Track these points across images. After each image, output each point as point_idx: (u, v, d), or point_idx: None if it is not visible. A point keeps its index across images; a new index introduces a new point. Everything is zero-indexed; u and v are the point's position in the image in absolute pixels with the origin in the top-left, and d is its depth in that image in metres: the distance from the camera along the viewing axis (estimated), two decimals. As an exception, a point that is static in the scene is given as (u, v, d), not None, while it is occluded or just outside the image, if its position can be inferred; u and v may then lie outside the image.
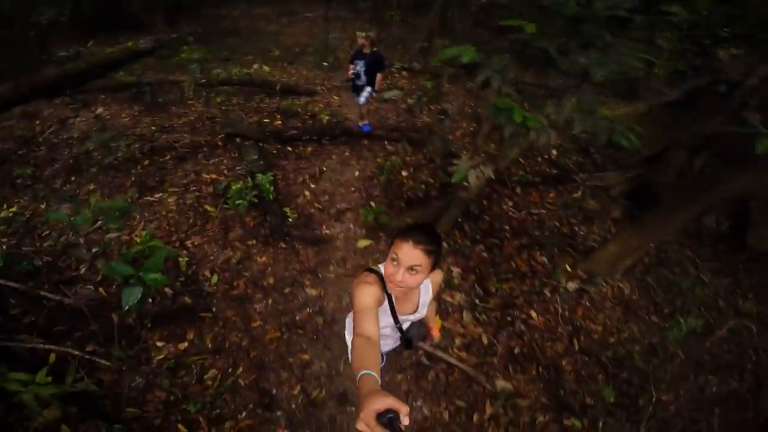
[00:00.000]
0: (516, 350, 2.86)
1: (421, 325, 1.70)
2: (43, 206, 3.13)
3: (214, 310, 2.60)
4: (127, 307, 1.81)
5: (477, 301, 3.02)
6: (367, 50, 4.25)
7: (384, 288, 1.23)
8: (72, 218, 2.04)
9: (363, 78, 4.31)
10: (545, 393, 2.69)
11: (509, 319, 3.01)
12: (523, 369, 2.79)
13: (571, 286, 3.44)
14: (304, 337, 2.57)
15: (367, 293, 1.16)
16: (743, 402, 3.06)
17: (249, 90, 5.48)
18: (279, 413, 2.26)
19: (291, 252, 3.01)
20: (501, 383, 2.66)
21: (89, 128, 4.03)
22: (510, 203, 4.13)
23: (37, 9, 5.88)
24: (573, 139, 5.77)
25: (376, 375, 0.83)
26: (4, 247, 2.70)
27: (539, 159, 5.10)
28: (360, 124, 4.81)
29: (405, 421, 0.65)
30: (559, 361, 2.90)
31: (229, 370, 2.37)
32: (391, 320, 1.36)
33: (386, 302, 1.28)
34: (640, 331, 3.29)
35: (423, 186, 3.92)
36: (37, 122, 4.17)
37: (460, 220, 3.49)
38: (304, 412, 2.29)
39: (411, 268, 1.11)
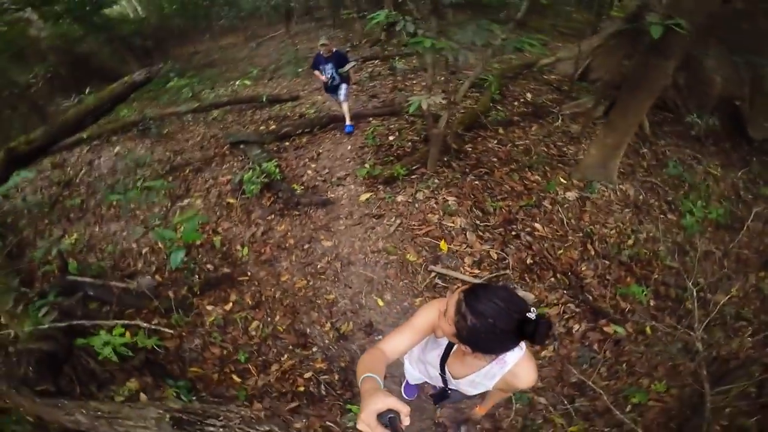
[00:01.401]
0: (528, 260, 3.03)
1: (466, 398, 1.48)
2: (96, 229, 3.66)
3: (249, 273, 3.03)
4: (175, 267, 2.25)
5: (477, 222, 3.31)
6: (329, 53, 4.44)
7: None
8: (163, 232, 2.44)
9: (337, 78, 4.50)
10: (572, 299, 2.76)
11: (513, 233, 3.21)
12: (540, 277, 2.92)
13: (570, 195, 3.65)
14: (326, 281, 2.96)
15: (428, 316, 1.07)
16: None
17: (239, 107, 6.00)
18: (315, 349, 2.57)
19: (304, 216, 3.44)
20: (521, 293, 2.74)
21: (114, 164, 4.59)
22: (494, 141, 4.43)
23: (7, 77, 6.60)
24: (545, 82, 6.07)
25: (378, 379, 0.82)
26: (75, 262, 3.20)
27: (515, 102, 5.40)
28: (345, 124, 4.87)
29: (405, 421, 0.65)
30: (577, 267, 3.01)
31: (268, 319, 2.76)
32: (438, 362, 1.22)
33: (444, 341, 1.17)
34: (658, 230, 3.30)
35: (409, 143, 4.29)
36: (68, 168, 4.77)
37: (447, 159, 3.83)
38: (336, 345, 2.59)
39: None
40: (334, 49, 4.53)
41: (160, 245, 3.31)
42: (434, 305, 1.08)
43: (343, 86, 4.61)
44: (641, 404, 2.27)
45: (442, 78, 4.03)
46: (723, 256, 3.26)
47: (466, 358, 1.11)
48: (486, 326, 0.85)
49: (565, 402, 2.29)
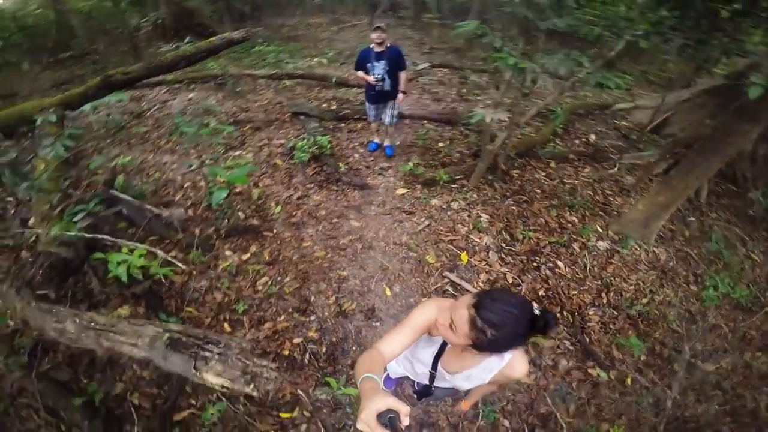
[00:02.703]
0: (540, 292, 3.02)
1: (451, 394, 1.53)
2: (150, 156, 4.02)
3: (275, 231, 3.19)
4: (215, 204, 2.42)
5: (503, 245, 3.28)
6: (382, 47, 3.47)
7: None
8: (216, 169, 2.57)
9: (387, 82, 3.55)
10: (569, 337, 2.77)
11: (535, 264, 3.19)
12: (547, 310, 2.98)
13: (602, 245, 3.55)
14: (344, 257, 3.04)
15: (425, 315, 1.09)
16: None
17: (309, 83, 6.30)
18: (312, 318, 2.62)
19: (341, 193, 3.57)
20: None
21: (185, 107, 5.00)
22: (543, 174, 4.35)
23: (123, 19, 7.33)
24: (615, 127, 5.84)
25: (378, 379, 0.83)
26: (122, 179, 3.52)
27: (576, 140, 5.25)
28: (382, 143, 4.18)
29: (405, 421, 0.66)
30: (585, 310, 2.98)
31: (278, 278, 2.85)
32: (431, 359, 1.23)
33: (439, 340, 1.18)
34: (676, 296, 3.26)
35: (457, 153, 4.31)
36: (143, 103, 5.24)
37: (491, 178, 3.82)
38: (334, 320, 2.62)
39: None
40: (389, 44, 3.53)
41: (201, 183, 3.55)
42: (430, 305, 1.10)
43: (393, 107, 3.72)
44: None
45: (509, 100, 4.03)
46: (729, 331, 3.12)
47: (463, 354, 1.12)
48: (506, 335, 0.90)
49: (527, 430, 2.29)
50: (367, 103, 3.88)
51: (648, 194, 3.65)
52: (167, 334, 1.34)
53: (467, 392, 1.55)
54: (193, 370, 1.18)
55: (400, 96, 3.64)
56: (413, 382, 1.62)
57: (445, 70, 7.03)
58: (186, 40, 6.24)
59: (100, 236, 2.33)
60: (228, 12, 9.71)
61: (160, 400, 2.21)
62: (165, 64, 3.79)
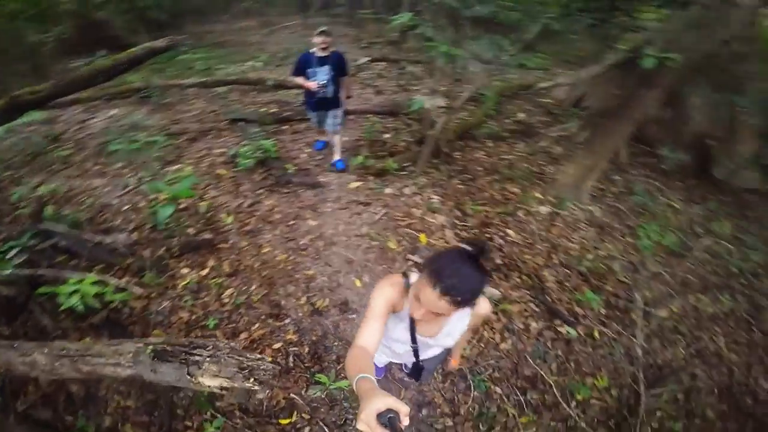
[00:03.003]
0: (498, 261, 3.22)
1: (440, 360, 1.54)
2: (78, 182, 3.66)
3: (230, 242, 3.08)
4: (162, 221, 2.31)
5: (456, 221, 3.47)
6: (326, 52, 3.33)
7: (408, 299, 1.15)
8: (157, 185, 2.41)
9: (330, 89, 3.42)
10: (533, 300, 2.96)
11: (488, 235, 3.40)
12: (507, 276, 3.11)
13: (543, 209, 3.88)
14: (307, 257, 3.02)
15: (383, 297, 1.10)
16: (745, 323, 3.24)
17: (243, 88, 6.08)
18: (287, 321, 2.58)
19: (293, 195, 3.53)
20: (489, 290, 2.92)
21: (107, 125, 4.59)
22: (482, 153, 4.65)
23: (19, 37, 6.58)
24: (540, 105, 6.37)
25: (372, 378, 0.83)
26: (52, 210, 3.18)
27: (508, 120, 5.66)
28: (330, 141, 3.99)
29: (405, 421, 0.66)
30: (541, 271, 3.20)
31: (244, 288, 2.75)
32: (407, 336, 1.25)
33: (406, 312, 1.18)
34: (616, 249, 3.59)
35: (403, 142, 4.45)
36: (59, 125, 4.73)
37: (436, 161, 4.00)
38: (310, 319, 2.60)
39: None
40: (332, 49, 3.41)
41: (142, 204, 3.32)
42: (384, 286, 1.13)
43: (337, 113, 3.60)
44: (585, 401, 2.45)
45: (445, 87, 4.24)
46: (670, 278, 3.53)
47: (436, 316, 1.11)
48: (475, 285, 0.96)
49: (518, 393, 2.43)
50: (307, 110, 3.80)
51: (575, 160, 4.07)
52: (150, 347, 1.27)
53: (450, 351, 1.62)
54: (188, 377, 1.13)
55: (338, 111, 3.63)
56: (401, 365, 1.66)
57: (384, 63, 7.17)
58: (98, 54, 5.72)
59: (41, 271, 2.13)
60: (143, 22, 9.00)
61: (154, 428, 2.10)
62: (80, 80, 3.45)
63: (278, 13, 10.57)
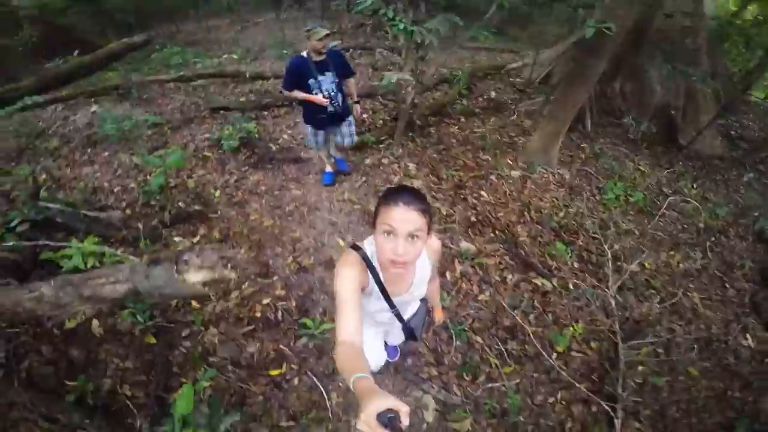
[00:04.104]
0: (472, 218, 3.43)
1: (424, 312, 1.56)
2: (68, 171, 3.77)
3: (219, 212, 3.25)
4: (157, 186, 2.48)
5: (432, 185, 3.72)
6: (322, 55, 2.77)
7: (369, 268, 1.13)
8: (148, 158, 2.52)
9: (340, 97, 2.91)
10: (508, 253, 3.15)
11: (462, 196, 3.65)
12: (482, 232, 3.33)
13: (515, 173, 4.15)
14: (293, 222, 3.21)
15: (346, 279, 1.05)
16: (718, 280, 3.39)
17: (221, 81, 6.20)
18: (275, 278, 2.72)
19: (277, 170, 3.73)
20: (464, 244, 3.15)
21: (90, 120, 4.68)
22: (455, 127, 4.92)
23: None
24: (510, 84, 6.69)
25: (369, 377, 0.81)
26: (45, 193, 3.29)
27: (480, 98, 5.95)
28: (337, 157, 3.67)
29: (405, 420, 0.66)
30: (514, 227, 3.43)
31: (233, 251, 2.97)
32: (384, 304, 1.23)
33: (372, 284, 1.16)
34: (585, 207, 3.83)
35: (381, 120, 4.70)
36: (41, 122, 4.79)
37: (411, 134, 4.25)
38: (297, 276, 2.74)
39: (410, 236, 0.96)
40: (329, 47, 2.87)
41: (132, 185, 3.47)
42: (342, 267, 1.08)
43: (348, 124, 3.14)
44: (565, 353, 2.55)
45: (411, 63, 4.47)
46: (640, 235, 3.78)
47: (398, 274, 1.08)
48: (424, 197, 1.01)
49: (499, 344, 2.53)
50: (309, 129, 3.12)
51: (540, 127, 4.38)
52: (146, 257, 1.45)
53: (428, 302, 1.69)
54: (176, 275, 1.32)
55: (357, 107, 3.14)
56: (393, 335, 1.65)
57: (361, 50, 7.40)
58: (68, 57, 5.73)
59: (42, 242, 2.27)
60: (112, 24, 8.97)
61: (152, 386, 2.17)
62: (61, 75, 3.59)
63: (248, 10, 10.59)
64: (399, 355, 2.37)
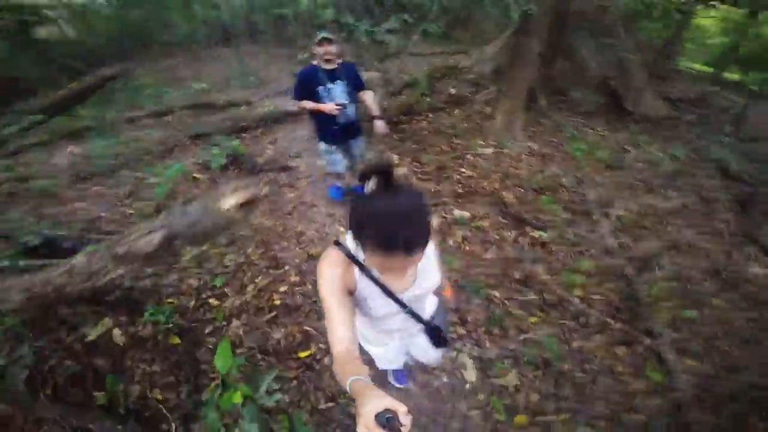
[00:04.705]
0: (459, 191, 3.74)
1: (442, 305, 1.41)
2: (62, 207, 3.80)
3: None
4: (163, 195, 2.64)
5: (416, 170, 4.06)
6: (334, 63, 2.67)
7: (357, 265, 1.03)
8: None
9: (352, 107, 2.80)
10: (500, 214, 3.38)
11: (446, 176, 3.98)
12: (471, 200, 3.61)
13: (488, 150, 4.55)
14: (294, 219, 3.43)
15: (329, 282, 0.98)
16: (703, 215, 3.53)
17: (193, 112, 6.37)
18: (287, 268, 2.88)
19: (269, 178, 3.94)
20: (458, 212, 3.42)
21: (71, 159, 4.71)
22: (426, 122, 5.33)
23: None
24: (466, 80, 7.25)
25: (364, 379, 0.80)
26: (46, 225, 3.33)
27: (442, 95, 6.43)
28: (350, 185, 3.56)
29: (404, 420, 0.66)
30: (499, 193, 3.71)
31: (242, 252, 3.06)
32: (392, 305, 1.10)
33: (366, 283, 1.05)
34: (561, 169, 4.19)
35: (356, 124, 5.02)
36: (20, 169, 4.76)
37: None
38: (308, 263, 2.91)
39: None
40: (341, 59, 2.75)
41: (130, 212, 3.57)
42: (323, 270, 1.01)
43: (360, 141, 3.06)
44: (586, 298, 2.59)
45: (377, 62, 4.84)
46: (615, 187, 4.06)
47: (400, 270, 0.95)
48: (423, 211, 0.86)
49: (517, 296, 2.55)
50: (323, 146, 2.97)
51: (499, 108, 4.85)
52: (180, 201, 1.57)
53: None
54: (212, 205, 1.46)
55: (381, 123, 2.79)
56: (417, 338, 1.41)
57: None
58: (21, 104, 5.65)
59: (53, 262, 2.35)
60: (63, 72, 8.90)
61: (182, 387, 2.19)
62: (44, 107, 3.67)
63: (201, 47, 10.66)
64: (408, 378, 2.15)
